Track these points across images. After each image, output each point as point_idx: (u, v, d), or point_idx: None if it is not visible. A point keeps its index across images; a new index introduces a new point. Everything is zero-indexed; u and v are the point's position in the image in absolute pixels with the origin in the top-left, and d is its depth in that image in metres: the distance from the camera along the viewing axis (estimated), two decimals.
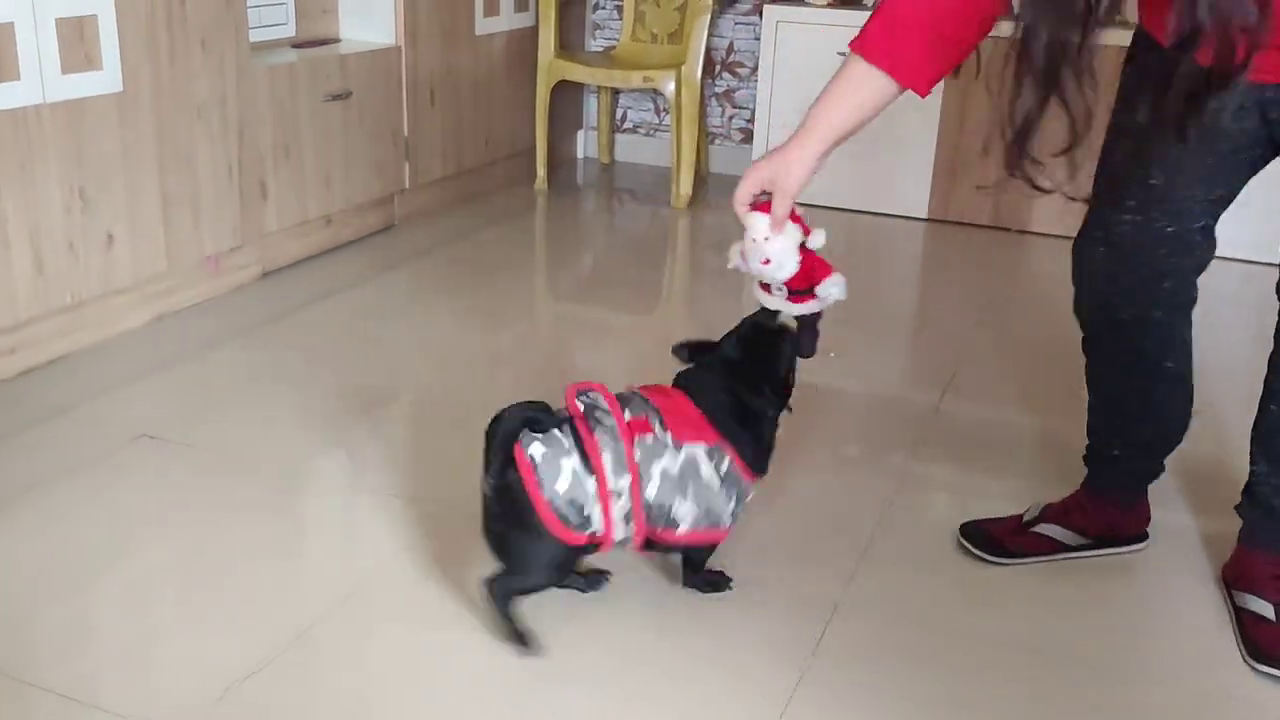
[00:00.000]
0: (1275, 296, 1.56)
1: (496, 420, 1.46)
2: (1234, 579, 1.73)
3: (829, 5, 3.75)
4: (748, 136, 4.28)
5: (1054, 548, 1.83)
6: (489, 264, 3.31)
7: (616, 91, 4.36)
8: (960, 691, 1.52)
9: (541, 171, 4.04)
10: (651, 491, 1.50)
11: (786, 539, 1.88)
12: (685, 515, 1.54)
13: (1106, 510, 1.83)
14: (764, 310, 1.60)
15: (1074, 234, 1.68)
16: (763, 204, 1.50)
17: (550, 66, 3.90)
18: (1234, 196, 1.58)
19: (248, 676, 1.48)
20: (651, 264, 3.55)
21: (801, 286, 1.53)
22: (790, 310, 1.56)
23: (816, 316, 1.57)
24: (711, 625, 1.63)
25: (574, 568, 1.63)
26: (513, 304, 3.03)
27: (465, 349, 2.67)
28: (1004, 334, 2.94)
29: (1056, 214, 3.56)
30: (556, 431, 1.47)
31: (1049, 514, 1.86)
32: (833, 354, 2.73)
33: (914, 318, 3.16)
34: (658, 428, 1.52)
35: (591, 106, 4.50)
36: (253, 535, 1.83)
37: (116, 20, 2.40)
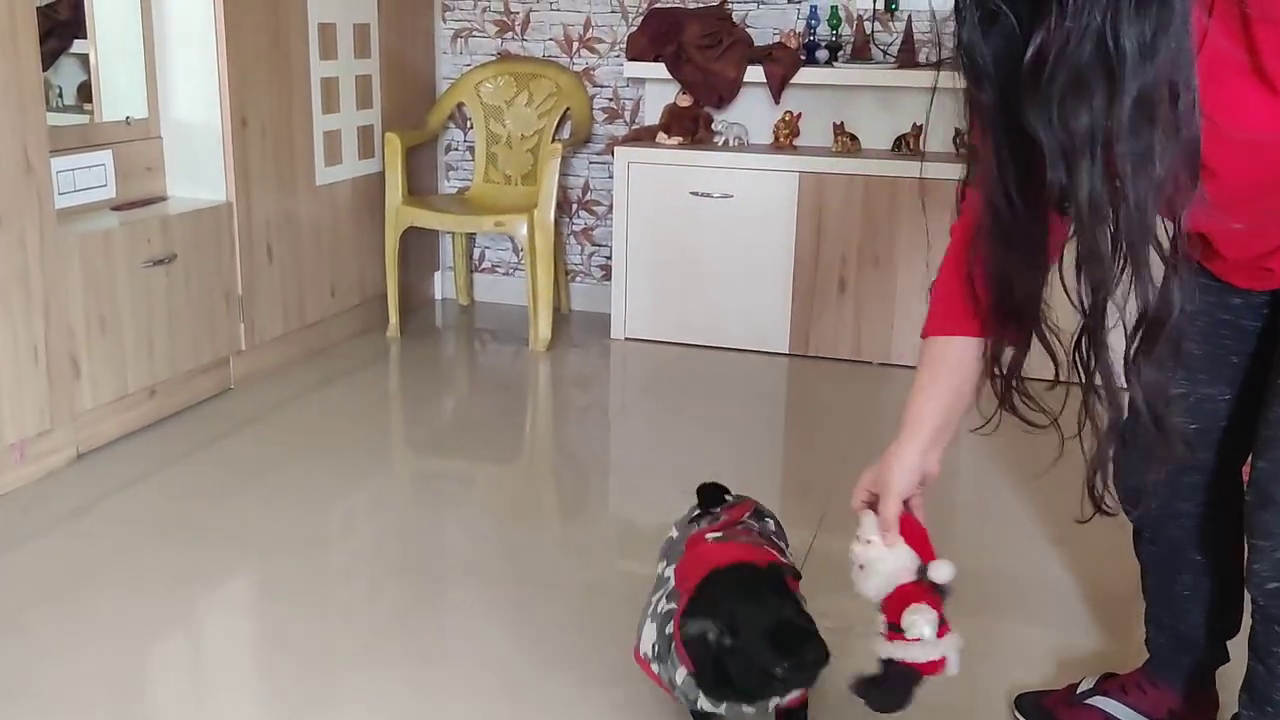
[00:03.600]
0: None
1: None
2: None
3: (678, 146, 3.73)
4: (608, 274, 4.20)
5: None
6: (336, 422, 3.14)
7: (473, 231, 4.27)
8: None
9: (394, 318, 3.90)
10: None
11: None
12: None
13: (1164, 694, 1.72)
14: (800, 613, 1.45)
15: None
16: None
17: (399, 213, 3.79)
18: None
19: None
20: (513, 409, 3.41)
21: (894, 620, 1.32)
22: (881, 649, 1.35)
23: (910, 672, 1.32)
24: None
25: None
26: (363, 464, 2.85)
27: (311, 524, 2.48)
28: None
29: (916, 348, 3.52)
30: None
31: (1106, 686, 1.76)
32: None
33: (782, 455, 3.08)
34: None
35: (448, 247, 4.40)
36: None
37: None
